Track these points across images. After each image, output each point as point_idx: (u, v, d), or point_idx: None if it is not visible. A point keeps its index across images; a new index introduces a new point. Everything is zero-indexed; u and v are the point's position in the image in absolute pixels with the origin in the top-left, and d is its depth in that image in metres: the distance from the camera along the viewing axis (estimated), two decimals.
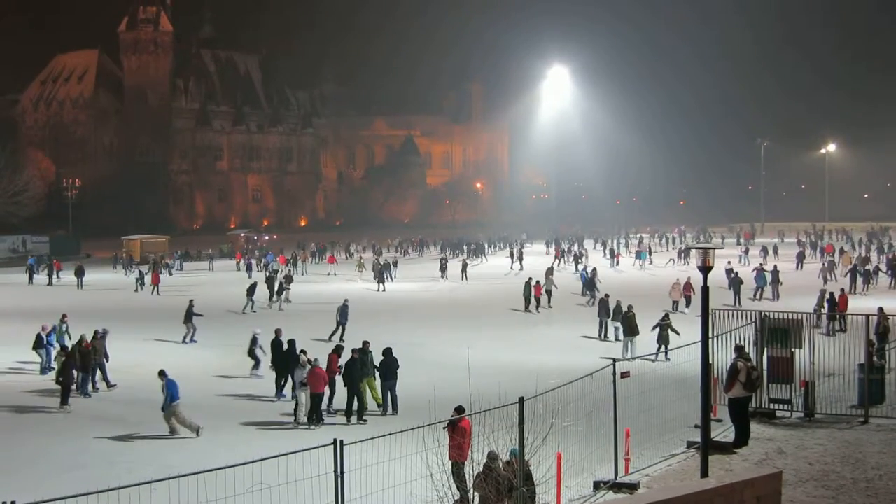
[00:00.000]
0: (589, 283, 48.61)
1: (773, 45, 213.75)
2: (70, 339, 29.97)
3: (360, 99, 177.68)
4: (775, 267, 52.58)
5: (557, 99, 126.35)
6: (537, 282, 46.05)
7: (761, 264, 56.38)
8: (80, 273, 60.72)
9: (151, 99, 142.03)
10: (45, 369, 29.25)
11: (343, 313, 35.82)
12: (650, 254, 77.30)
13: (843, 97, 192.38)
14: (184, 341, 35.28)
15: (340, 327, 35.32)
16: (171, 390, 21.64)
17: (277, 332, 27.27)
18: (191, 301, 37.46)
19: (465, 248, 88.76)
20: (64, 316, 32.87)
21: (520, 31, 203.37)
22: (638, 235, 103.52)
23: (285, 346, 26.10)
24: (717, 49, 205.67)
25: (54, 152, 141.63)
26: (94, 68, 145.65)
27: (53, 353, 28.56)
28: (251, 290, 45.85)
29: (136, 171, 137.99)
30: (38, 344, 29.84)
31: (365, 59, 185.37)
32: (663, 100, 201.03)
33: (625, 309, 32.95)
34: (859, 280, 51.72)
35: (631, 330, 31.47)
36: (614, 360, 16.99)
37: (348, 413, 22.98)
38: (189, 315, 35.86)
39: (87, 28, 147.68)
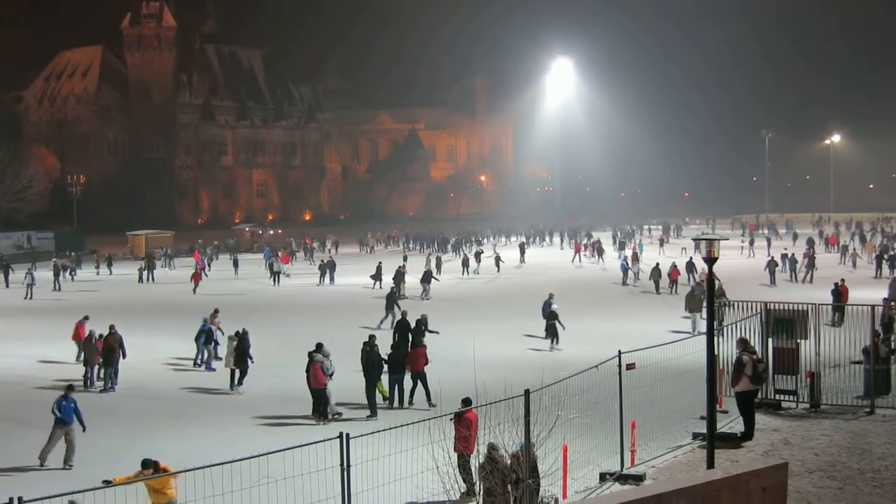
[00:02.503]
0: (625, 272, 51.71)
1: (777, 35, 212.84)
2: (223, 333, 29.52)
3: (364, 93, 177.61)
4: (812, 253, 56.94)
5: (561, 91, 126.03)
6: (674, 266, 48.32)
7: (809, 250, 59.83)
8: (57, 273, 56.17)
9: (155, 94, 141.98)
10: (200, 363, 29.20)
11: (548, 310, 35.01)
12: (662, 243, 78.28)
13: (848, 88, 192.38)
14: (379, 326, 35.46)
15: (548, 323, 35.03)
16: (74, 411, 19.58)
17: (404, 313, 29.83)
18: (392, 288, 39.19)
19: (435, 243, 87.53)
20: (216, 311, 32.14)
21: (523, 23, 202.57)
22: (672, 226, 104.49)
23: (412, 326, 28.16)
24: (721, 40, 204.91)
25: (59, 148, 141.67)
26: (98, 64, 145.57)
27: (221, 345, 28.81)
28: (427, 277, 48.15)
29: (141, 166, 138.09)
30: (208, 339, 29.25)
31: (368, 53, 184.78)
32: (667, 92, 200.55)
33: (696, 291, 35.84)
34: (885, 266, 53.77)
35: (696, 307, 33.99)
36: (620, 352, 16.99)
37: (377, 405, 23.04)
38: (392, 301, 37.53)
39: (91, 24, 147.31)
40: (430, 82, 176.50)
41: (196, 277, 53.41)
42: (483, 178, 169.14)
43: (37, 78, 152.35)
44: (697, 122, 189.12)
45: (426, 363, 23.98)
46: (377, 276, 51.43)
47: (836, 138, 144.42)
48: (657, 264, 49.38)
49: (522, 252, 70.79)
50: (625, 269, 52.24)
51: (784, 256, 54.26)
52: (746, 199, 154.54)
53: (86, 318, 31.82)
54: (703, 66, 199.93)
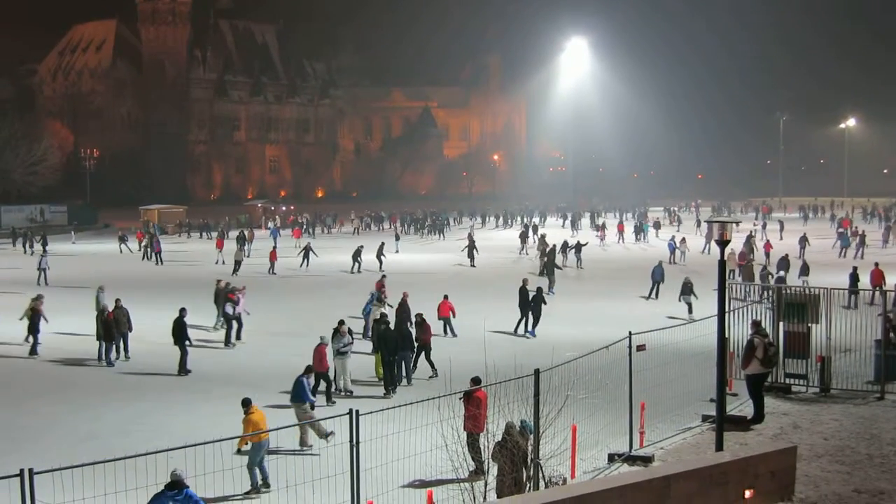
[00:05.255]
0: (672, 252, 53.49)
1: (792, 18, 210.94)
2: (385, 306, 29.16)
3: (378, 70, 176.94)
4: (863, 231, 62.53)
5: (575, 71, 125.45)
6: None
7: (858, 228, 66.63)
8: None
9: (169, 69, 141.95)
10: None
11: (660, 273, 38.80)
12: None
13: (864, 72, 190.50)
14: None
15: (657, 286, 38.49)
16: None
17: (525, 281, 31.79)
18: (545, 259, 43.51)
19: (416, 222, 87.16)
20: (380, 283, 32.10)
21: (539, 2, 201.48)
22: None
23: (533, 294, 30.63)
24: (736, 22, 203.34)
25: (72, 122, 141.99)
26: (112, 38, 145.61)
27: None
28: (578, 248, 51.87)
29: (154, 141, 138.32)
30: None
31: (383, 30, 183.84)
32: (681, 73, 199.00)
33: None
34: None
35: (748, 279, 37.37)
36: (630, 333, 16.97)
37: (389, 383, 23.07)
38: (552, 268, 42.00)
39: None
40: (444, 60, 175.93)
41: (273, 256, 50.77)
42: (496, 157, 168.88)
43: (51, 52, 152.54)
44: (711, 105, 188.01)
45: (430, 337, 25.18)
46: (470, 253, 53.58)
47: (850, 122, 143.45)
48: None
49: (535, 231, 70.20)
50: (672, 248, 53.86)
51: (841, 234, 60.81)
52: (760, 182, 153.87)
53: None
54: (718, 48, 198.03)
